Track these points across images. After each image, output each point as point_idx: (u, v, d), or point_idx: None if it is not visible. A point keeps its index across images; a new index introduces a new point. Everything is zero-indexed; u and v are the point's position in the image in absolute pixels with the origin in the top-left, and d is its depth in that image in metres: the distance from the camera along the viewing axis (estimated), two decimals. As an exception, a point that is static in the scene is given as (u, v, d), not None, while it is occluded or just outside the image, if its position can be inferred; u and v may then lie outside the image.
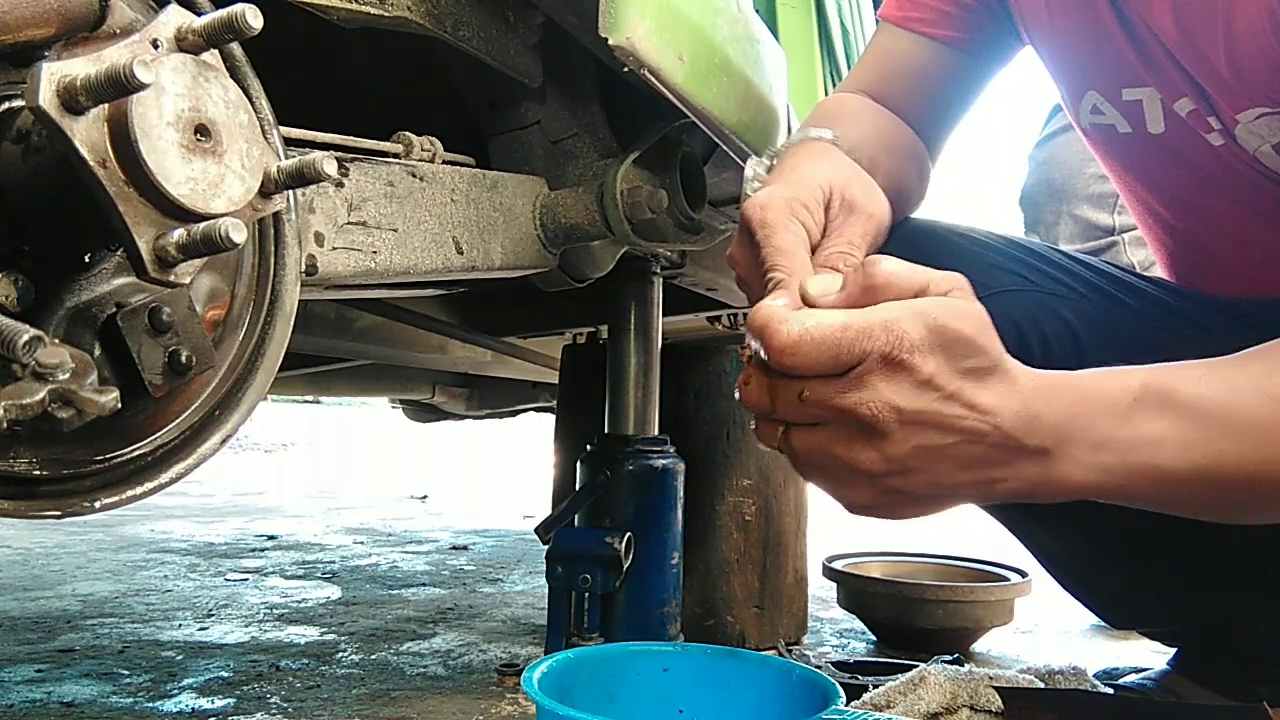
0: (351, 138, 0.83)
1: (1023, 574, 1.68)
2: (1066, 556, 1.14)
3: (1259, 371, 0.64)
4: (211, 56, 0.52)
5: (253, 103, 0.62)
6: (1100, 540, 1.07)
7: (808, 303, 0.61)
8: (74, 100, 0.45)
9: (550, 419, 2.17)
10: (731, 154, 1.10)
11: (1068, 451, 0.61)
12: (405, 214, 0.84)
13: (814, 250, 0.71)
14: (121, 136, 0.46)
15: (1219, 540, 0.99)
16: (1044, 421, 0.60)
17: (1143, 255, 1.87)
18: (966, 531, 2.85)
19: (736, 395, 0.64)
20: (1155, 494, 0.65)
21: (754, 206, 0.71)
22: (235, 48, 0.62)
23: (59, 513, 0.54)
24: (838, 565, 1.75)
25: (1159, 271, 1.13)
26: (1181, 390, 0.63)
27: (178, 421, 0.59)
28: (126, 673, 1.35)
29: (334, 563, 2.35)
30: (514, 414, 2.96)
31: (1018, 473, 0.62)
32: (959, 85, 1.05)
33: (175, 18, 0.51)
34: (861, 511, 0.64)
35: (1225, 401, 0.62)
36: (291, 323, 0.67)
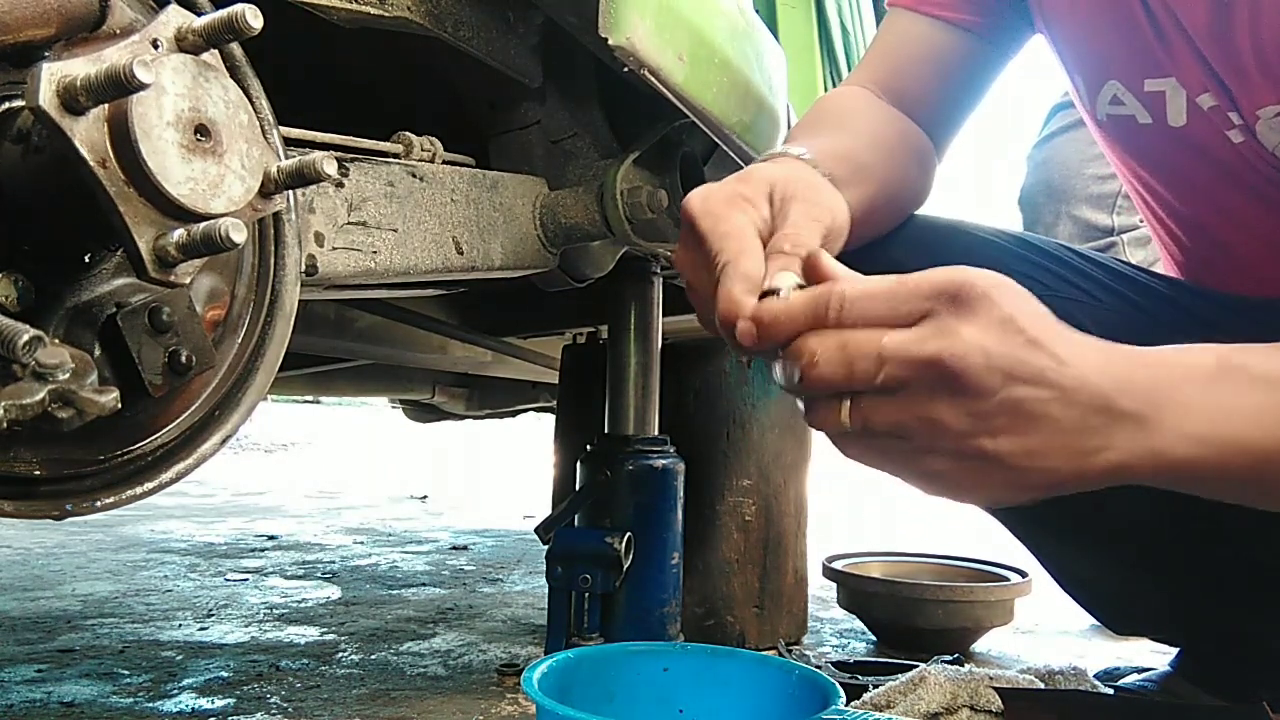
0: (351, 138, 0.83)
1: (1023, 574, 1.68)
2: (1068, 562, 1.14)
3: None
4: (211, 56, 0.53)
5: (253, 103, 0.62)
6: (1102, 547, 1.07)
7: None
8: (74, 100, 0.45)
9: (550, 419, 2.17)
10: (731, 154, 1.10)
11: (1163, 419, 0.55)
12: (405, 214, 0.84)
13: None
14: (121, 136, 0.46)
15: (1221, 548, 0.99)
16: (1135, 383, 0.55)
17: (1142, 255, 1.87)
18: (966, 531, 2.85)
19: (792, 378, 0.57)
20: (1251, 472, 0.58)
21: (694, 199, 0.68)
22: (235, 48, 0.62)
23: (59, 513, 0.54)
24: (838, 565, 1.75)
25: (1162, 269, 1.13)
26: (1255, 365, 0.58)
27: (178, 421, 0.59)
28: (126, 673, 1.35)
29: (334, 563, 2.35)
30: (514, 414, 2.96)
31: (1115, 441, 0.55)
32: (972, 73, 1.03)
33: (175, 18, 0.51)
34: (939, 488, 0.58)
35: None
36: (291, 323, 0.67)
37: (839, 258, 0.93)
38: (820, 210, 0.70)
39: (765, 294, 0.60)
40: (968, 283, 0.54)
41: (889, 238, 0.95)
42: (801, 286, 0.60)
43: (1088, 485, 0.57)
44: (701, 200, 0.68)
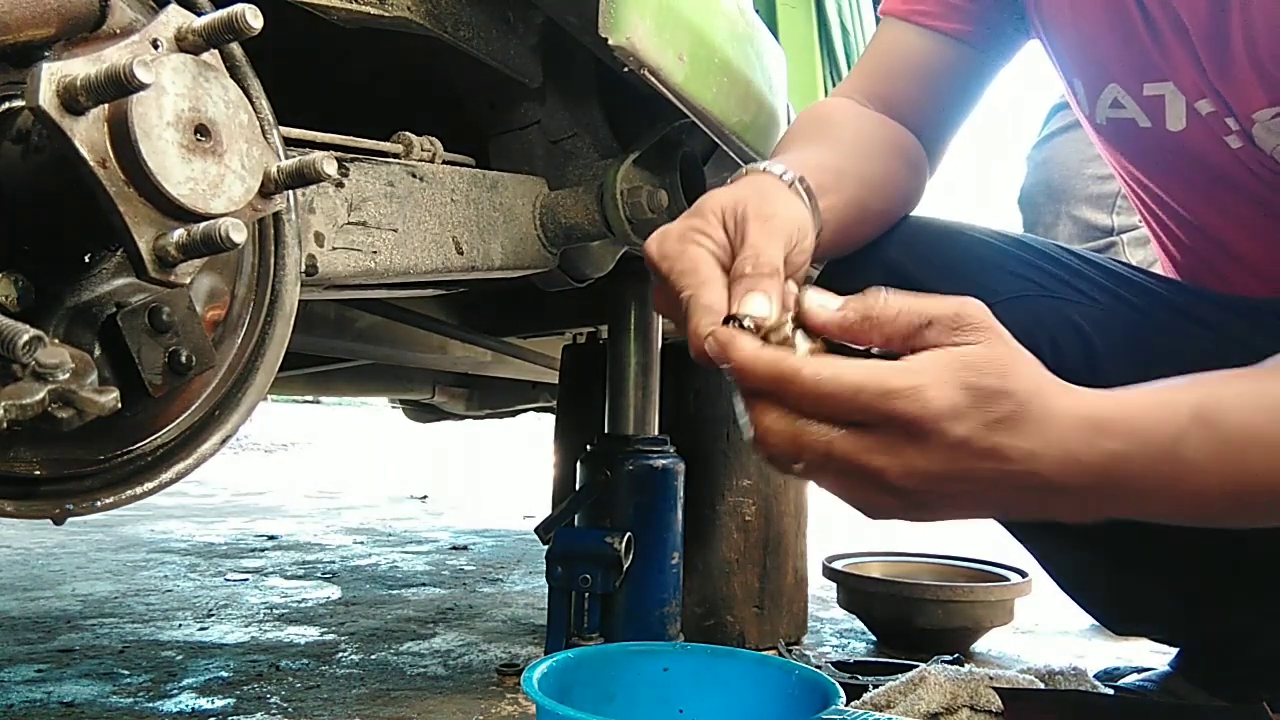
0: (351, 138, 0.83)
1: (1023, 574, 1.68)
2: (1069, 562, 1.14)
3: None
4: (211, 56, 0.53)
5: (253, 103, 0.62)
6: (1103, 548, 1.07)
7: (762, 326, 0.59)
8: (74, 100, 0.45)
9: (550, 419, 2.17)
10: (731, 154, 1.10)
11: (1110, 492, 0.60)
12: (405, 214, 0.84)
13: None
14: (121, 136, 0.46)
15: (1223, 551, 0.99)
16: (1086, 466, 0.58)
17: (1142, 255, 1.87)
18: (966, 532, 2.85)
19: (747, 435, 0.60)
20: (1184, 514, 0.64)
21: (651, 243, 0.68)
22: (235, 48, 0.62)
23: (59, 513, 0.54)
24: (838, 565, 1.75)
25: (1160, 270, 1.13)
26: (1231, 417, 0.61)
27: (178, 421, 0.59)
28: (126, 673, 1.35)
29: (334, 563, 2.35)
30: (514, 414, 2.96)
31: (1053, 507, 0.61)
32: (964, 82, 1.04)
33: (175, 18, 0.51)
34: (880, 516, 0.62)
35: (1267, 421, 0.61)
36: (291, 323, 0.67)
37: (836, 262, 0.92)
38: (777, 223, 0.69)
39: (728, 319, 0.61)
40: (930, 408, 0.55)
41: (884, 239, 0.95)
42: (767, 333, 0.60)
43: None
44: (658, 244, 0.68)
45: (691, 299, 0.63)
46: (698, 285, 0.64)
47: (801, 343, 0.59)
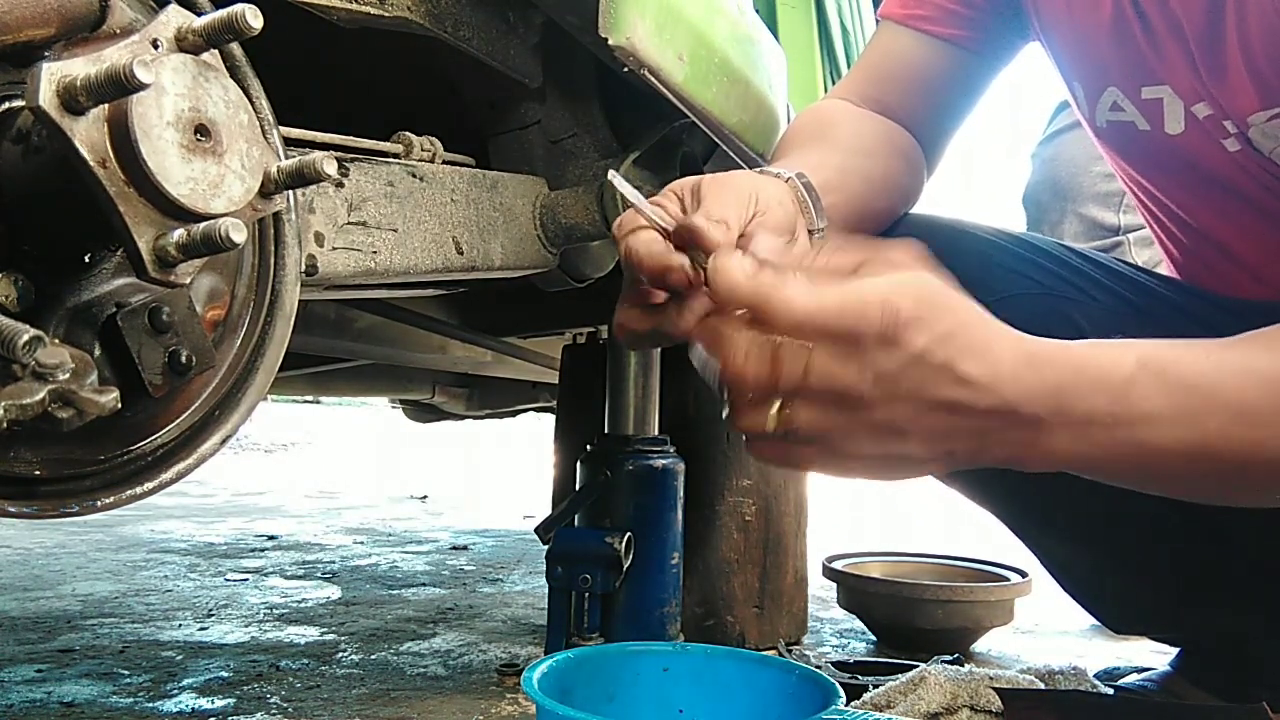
0: (351, 138, 0.83)
1: (1023, 574, 1.68)
2: (1070, 561, 1.14)
3: (1253, 351, 0.64)
4: (212, 56, 0.53)
5: (253, 103, 0.62)
6: (1104, 547, 1.07)
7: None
8: (74, 100, 0.45)
9: (550, 419, 2.17)
10: (731, 154, 1.10)
11: (1059, 422, 0.61)
12: (405, 214, 0.84)
13: None
14: (121, 136, 0.46)
15: (1223, 551, 0.99)
16: (1036, 391, 0.60)
17: (1148, 255, 1.87)
18: (966, 532, 2.85)
19: (714, 370, 0.61)
20: (1140, 470, 0.66)
21: (616, 227, 0.70)
22: (235, 48, 0.62)
23: (59, 513, 0.54)
24: (838, 565, 1.75)
25: (1164, 270, 1.13)
26: (1176, 366, 0.63)
27: (178, 421, 0.59)
28: (126, 673, 1.35)
29: (334, 563, 2.35)
30: (514, 414, 2.96)
31: (1006, 438, 0.62)
32: (962, 86, 1.04)
33: (175, 18, 0.51)
34: (857, 476, 0.64)
35: (1217, 380, 0.63)
36: (291, 323, 0.67)
37: None
38: (731, 188, 0.71)
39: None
40: (899, 315, 0.57)
41: (885, 236, 0.95)
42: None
43: (982, 465, 0.64)
44: (618, 227, 0.70)
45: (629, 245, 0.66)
46: (637, 241, 0.66)
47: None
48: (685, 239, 0.66)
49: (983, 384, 0.59)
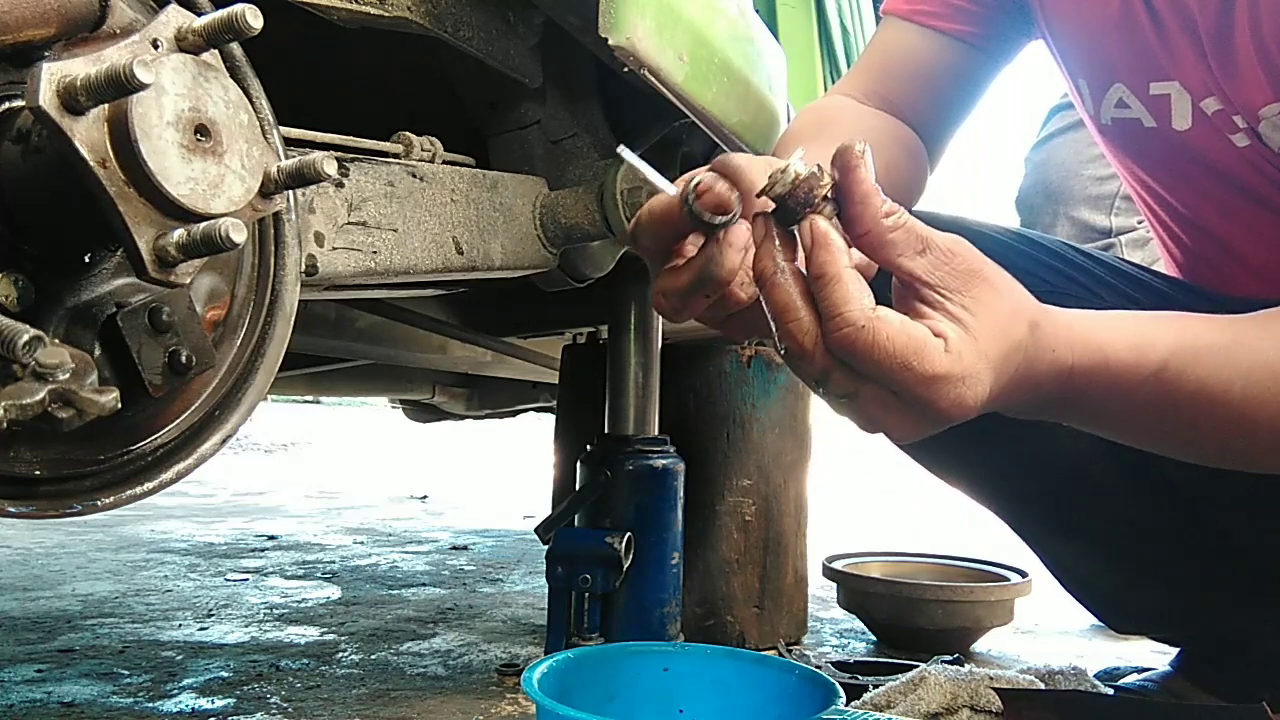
0: (351, 138, 0.83)
1: (1023, 574, 1.68)
2: (1072, 560, 1.14)
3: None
4: (212, 56, 0.53)
5: (253, 103, 0.62)
6: (1106, 546, 1.07)
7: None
8: (74, 100, 0.45)
9: (550, 419, 2.16)
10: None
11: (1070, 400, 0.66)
12: (405, 214, 0.84)
13: None
14: (121, 136, 0.46)
15: (1223, 551, 0.99)
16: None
17: (1140, 256, 1.87)
18: (966, 531, 2.85)
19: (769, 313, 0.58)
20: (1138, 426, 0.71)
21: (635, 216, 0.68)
22: (235, 48, 0.62)
23: (59, 513, 0.54)
24: (838, 565, 1.75)
25: (1160, 270, 1.13)
26: (1197, 366, 0.67)
27: (178, 421, 0.59)
28: (126, 673, 1.35)
29: (334, 563, 2.35)
30: (514, 414, 2.96)
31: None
32: (965, 82, 1.04)
33: (175, 18, 0.51)
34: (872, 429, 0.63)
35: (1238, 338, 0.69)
36: (291, 323, 0.67)
37: None
38: (756, 161, 0.68)
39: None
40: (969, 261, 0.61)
41: None
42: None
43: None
44: (637, 214, 0.67)
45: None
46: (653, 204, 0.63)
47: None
48: (725, 173, 0.61)
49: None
